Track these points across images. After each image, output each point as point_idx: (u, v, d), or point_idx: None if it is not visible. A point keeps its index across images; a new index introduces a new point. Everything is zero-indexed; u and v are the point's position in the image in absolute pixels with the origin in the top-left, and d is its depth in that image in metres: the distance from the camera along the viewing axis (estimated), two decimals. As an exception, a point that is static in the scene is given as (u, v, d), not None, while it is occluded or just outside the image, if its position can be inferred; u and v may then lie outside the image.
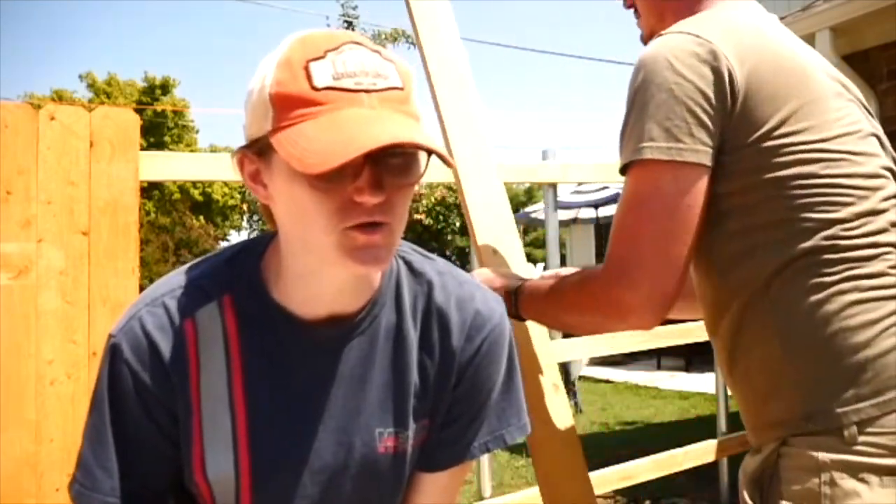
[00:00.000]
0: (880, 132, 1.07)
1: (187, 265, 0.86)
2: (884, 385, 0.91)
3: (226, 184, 22.23)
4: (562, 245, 11.33)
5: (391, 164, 0.71)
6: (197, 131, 25.14)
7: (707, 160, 0.95)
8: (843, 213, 0.94)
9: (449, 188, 14.44)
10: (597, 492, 2.99)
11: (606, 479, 2.93)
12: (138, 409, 0.79)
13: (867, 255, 0.94)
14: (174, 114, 23.52)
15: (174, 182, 19.60)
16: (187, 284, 0.81)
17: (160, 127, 22.92)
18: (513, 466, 4.60)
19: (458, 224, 16.43)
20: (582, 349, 2.99)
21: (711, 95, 0.94)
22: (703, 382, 7.31)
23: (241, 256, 0.84)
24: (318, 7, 30.03)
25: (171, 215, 21.32)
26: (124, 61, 46.15)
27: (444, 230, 16.66)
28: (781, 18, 4.22)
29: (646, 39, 1.20)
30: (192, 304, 0.80)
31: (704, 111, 0.94)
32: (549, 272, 1.27)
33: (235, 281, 0.82)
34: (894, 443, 0.90)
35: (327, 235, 0.71)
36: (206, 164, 2.19)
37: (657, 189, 0.95)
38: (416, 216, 14.72)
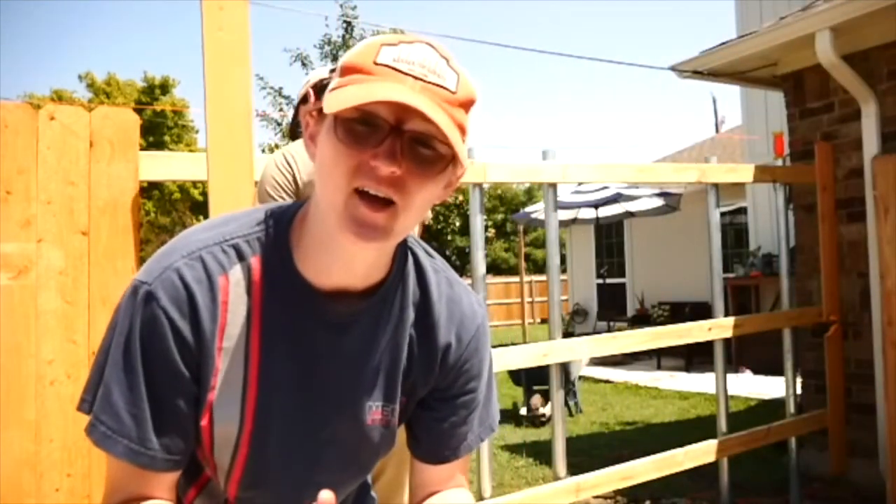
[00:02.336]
0: None
1: (217, 219, 0.89)
2: None
3: (226, 184, 22.11)
4: (562, 245, 11.33)
5: (418, 150, 0.75)
6: (197, 131, 25.08)
7: None
8: None
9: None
10: (597, 492, 3.00)
11: (606, 479, 2.93)
12: (171, 356, 0.80)
13: None
14: (174, 114, 23.49)
15: (174, 182, 19.58)
16: (222, 241, 0.84)
17: (160, 127, 22.89)
18: (513, 466, 4.60)
19: (458, 224, 16.39)
20: (582, 349, 2.99)
21: None
22: (703, 382, 7.31)
23: (274, 218, 0.87)
24: (318, 7, 30.02)
25: (171, 215, 21.31)
26: (124, 61, 46.10)
27: (444, 230, 16.64)
28: (781, 18, 4.18)
29: None
30: (227, 261, 0.83)
31: None
32: None
33: (267, 242, 0.85)
34: None
35: (339, 193, 0.75)
36: (206, 164, 2.19)
37: None
38: (416, 216, 14.65)
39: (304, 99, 2.19)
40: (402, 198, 0.75)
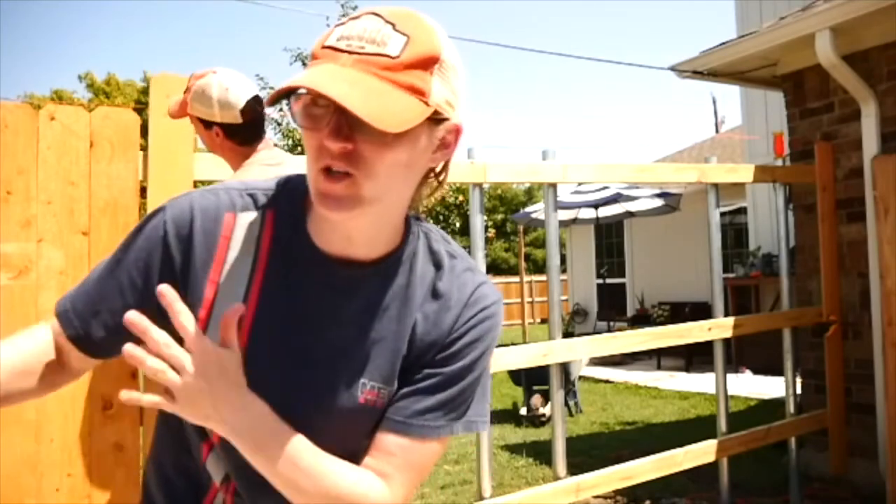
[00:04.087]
0: None
1: (247, 178, 0.96)
2: None
3: (226, 184, 22.13)
4: (562, 245, 11.33)
5: (365, 122, 0.74)
6: (197, 131, 25.07)
7: None
8: None
9: (449, 188, 14.34)
10: (597, 492, 3.00)
11: (606, 479, 2.93)
12: (151, 260, 0.86)
13: None
14: (174, 114, 23.49)
15: (174, 182, 19.49)
16: (244, 189, 0.90)
17: (160, 127, 22.90)
18: (513, 466, 4.60)
19: (458, 224, 16.40)
20: (582, 349, 2.99)
21: None
22: (703, 382, 7.31)
23: (294, 183, 0.92)
24: (318, 7, 29.99)
25: (171, 215, 21.28)
26: (124, 61, 46.12)
27: (444, 230, 16.63)
28: (781, 18, 4.17)
29: None
30: (240, 204, 0.89)
31: None
32: None
33: (283, 201, 0.90)
34: None
35: (310, 172, 0.80)
36: (207, 164, 2.19)
37: None
38: (416, 216, 14.69)
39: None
40: (360, 168, 0.77)
